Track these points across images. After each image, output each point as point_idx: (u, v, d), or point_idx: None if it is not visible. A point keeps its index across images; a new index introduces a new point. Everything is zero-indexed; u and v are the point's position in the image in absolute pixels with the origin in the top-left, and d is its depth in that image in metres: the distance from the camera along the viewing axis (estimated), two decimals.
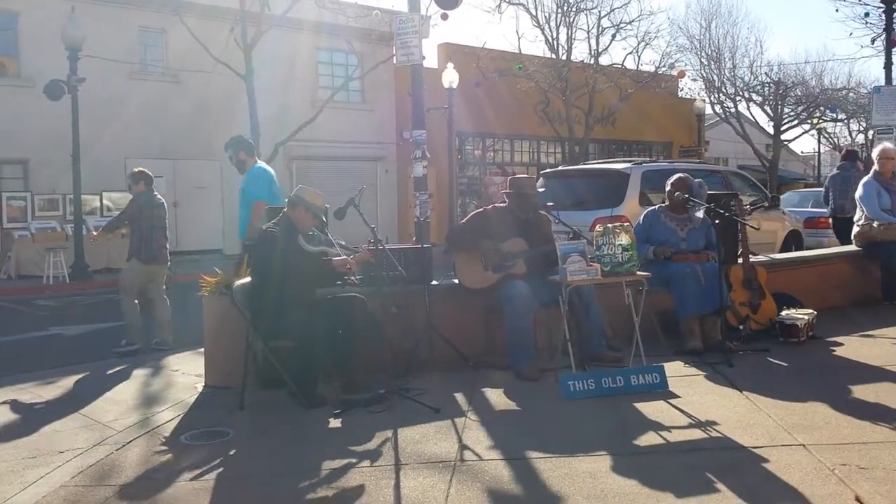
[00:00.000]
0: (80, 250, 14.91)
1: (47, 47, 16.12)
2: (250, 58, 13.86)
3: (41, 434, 4.91)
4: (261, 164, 7.36)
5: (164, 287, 8.00)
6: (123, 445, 4.59)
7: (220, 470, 4.15)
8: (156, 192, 8.08)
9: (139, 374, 6.55)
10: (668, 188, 6.62)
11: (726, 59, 30.92)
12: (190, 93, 18.72)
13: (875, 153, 8.84)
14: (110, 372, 6.66)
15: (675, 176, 6.63)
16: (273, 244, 5.24)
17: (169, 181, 19.19)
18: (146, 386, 6.16)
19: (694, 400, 4.94)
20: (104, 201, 17.28)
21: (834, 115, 35.06)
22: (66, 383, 6.26)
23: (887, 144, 8.91)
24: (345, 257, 5.44)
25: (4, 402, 5.68)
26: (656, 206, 6.72)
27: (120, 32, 18.09)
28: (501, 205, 6.31)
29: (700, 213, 6.44)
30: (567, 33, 24.21)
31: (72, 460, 4.37)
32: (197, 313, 6.11)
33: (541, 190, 7.10)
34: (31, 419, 5.28)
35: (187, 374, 6.37)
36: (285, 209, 5.50)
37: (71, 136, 14.72)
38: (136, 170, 8.14)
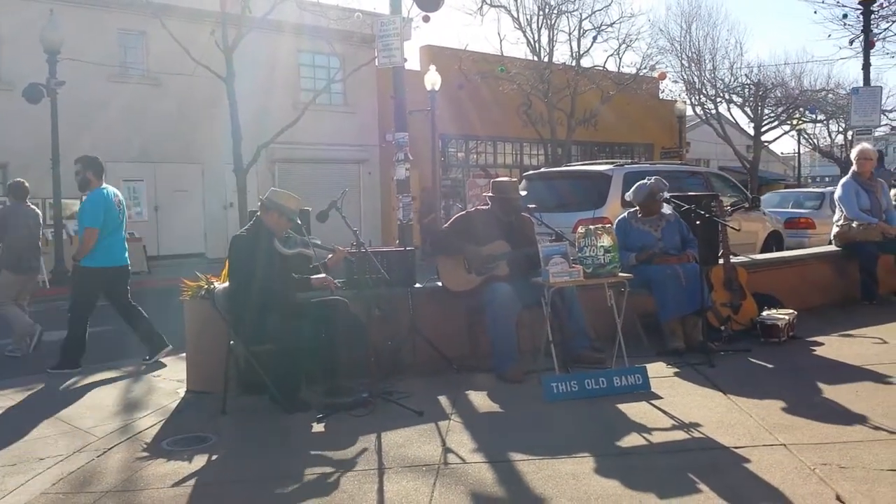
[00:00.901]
0: (61, 255, 14.80)
1: (26, 50, 15.98)
2: (231, 60, 13.78)
3: (21, 441, 4.86)
4: (105, 187, 7.30)
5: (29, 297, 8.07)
6: (104, 452, 4.56)
7: (202, 476, 4.13)
8: (28, 204, 8.36)
9: (120, 379, 6.51)
10: (639, 200, 6.58)
11: (707, 61, 31.14)
12: (170, 96, 18.62)
13: (854, 154, 8.93)
14: (91, 378, 6.60)
15: (636, 186, 6.60)
16: (247, 249, 5.21)
17: (149, 184, 19.14)
18: (127, 392, 6.12)
19: (676, 401, 4.97)
20: None
21: (813, 117, 35.36)
22: (47, 389, 6.20)
23: (866, 145, 8.99)
24: (324, 275, 5.40)
25: None
26: (626, 214, 6.75)
27: (100, 35, 17.96)
28: (484, 207, 6.32)
29: (667, 209, 6.49)
30: (549, 35, 24.31)
31: (52, 467, 4.33)
32: (178, 318, 6.07)
33: (523, 193, 7.12)
34: (10, 426, 5.22)
35: (169, 379, 6.34)
36: (258, 213, 5.47)
37: (50, 139, 14.58)
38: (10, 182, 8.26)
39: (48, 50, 14.57)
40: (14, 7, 16.86)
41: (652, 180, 6.53)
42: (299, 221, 5.57)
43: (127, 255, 7.46)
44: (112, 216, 7.15)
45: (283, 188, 6.21)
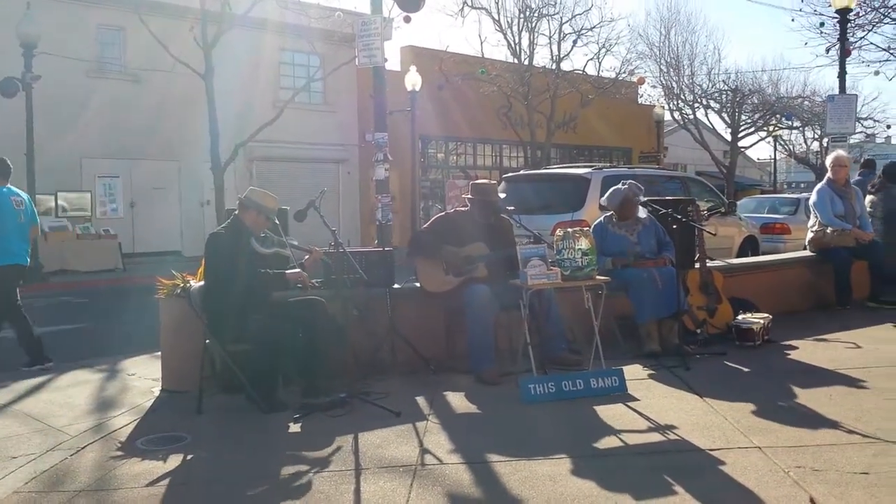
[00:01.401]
0: (35, 251, 14.58)
1: (2, 44, 15.76)
2: (210, 57, 13.67)
3: None
4: (9, 188, 7.21)
5: None
6: (78, 451, 4.51)
7: (177, 476, 4.09)
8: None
9: (94, 378, 6.43)
10: (614, 205, 6.63)
11: (685, 67, 31.36)
12: (149, 92, 18.46)
13: (829, 160, 9.03)
14: (64, 376, 6.53)
15: (610, 192, 6.65)
16: (224, 246, 5.18)
17: (126, 181, 18.97)
18: (101, 390, 6.05)
19: (652, 403, 5.00)
20: (59, 202, 16.97)
21: (789, 123, 35.74)
22: (19, 387, 6.12)
23: (841, 152, 9.10)
24: (299, 270, 5.37)
25: None
26: (601, 218, 6.78)
27: (78, 30, 17.78)
28: (463, 209, 6.32)
29: (643, 213, 6.53)
30: (529, 38, 24.38)
31: (24, 466, 4.28)
32: (153, 316, 6.01)
33: (501, 195, 7.13)
34: None
35: (143, 377, 6.27)
36: (236, 211, 5.44)
37: (25, 134, 14.41)
38: None
39: (24, 44, 14.40)
40: None
41: (626, 185, 6.57)
42: (277, 221, 5.54)
43: (27, 256, 7.29)
44: (7, 216, 7.02)
45: (262, 187, 6.18)
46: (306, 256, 5.61)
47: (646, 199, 6.53)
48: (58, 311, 11.52)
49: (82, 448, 4.55)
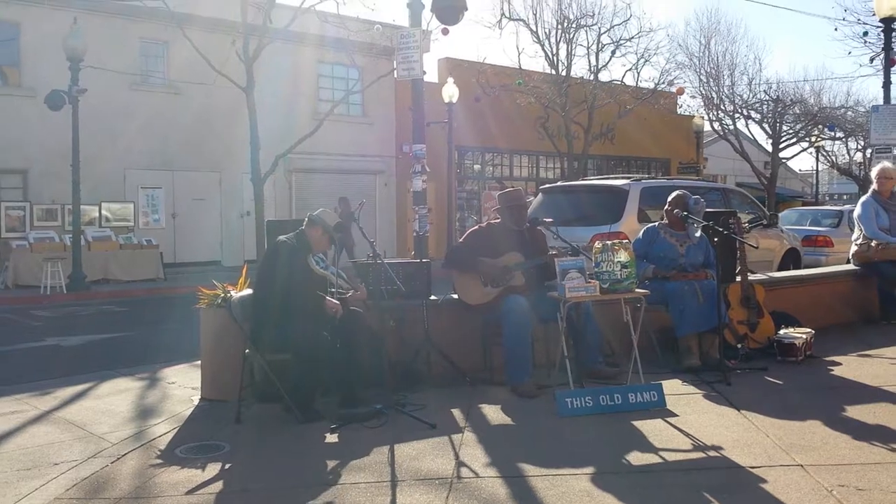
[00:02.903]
0: (79, 261, 14.91)
1: (49, 58, 16.16)
2: (251, 70, 13.87)
3: (36, 446, 4.88)
4: None
5: None
6: (118, 458, 4.57)
7: (215, 484, 4.13)
8: None
9: (135, 386, 6.53)
10: (666, 206, 6.64)
11: (725, 77, 30.97)
12: (191, 105, 18.77)
13: (874, 173, 8.86)
14: (106, 384, 6.63)
15: (674, 193, 6.66)
16: (288, 255, 5.26)
17: (168, 192, 19.28)
18: (141, 398, 6.14)
19: (692, 419, 4.93)
20: (103, 212, 17.30)
21: (832, 134, 35.11)
22: (62, 394, 6.23)
23: (886, 164, 8.93)
24: (336, 301, 5.37)
25: (0, 414, 5.66)
26: (656, 223, 6.73)
27: (122, 44, 18.14)
28: (495, 221, 6.33)
29: (698, 232, 6.45)
30: (567, 49, 24.28)
31: (66, 472, 4.35)
32: (193, 325, 6.09)
33: (537, 207, 7.11)
34: (26, 430, 5.25)
35: (183, 386, 6.35)
36: (303, 226, 5.52)
37: (71, 146, 14.73)
38: None
39: (71, 58, 14.72)
40: (38, 15, 17.10)
41: (683, 192, 6.57)
42: (335, 243, 5.62)
43: None
44: None
45: (301, 198, 6.26)
46: (350, 292, 5.65)
47: (685, 213, 6.43)
48: (100, 319, 11.73)
49: (123, 455, 4.62)
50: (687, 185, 10.39)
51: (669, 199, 6.63)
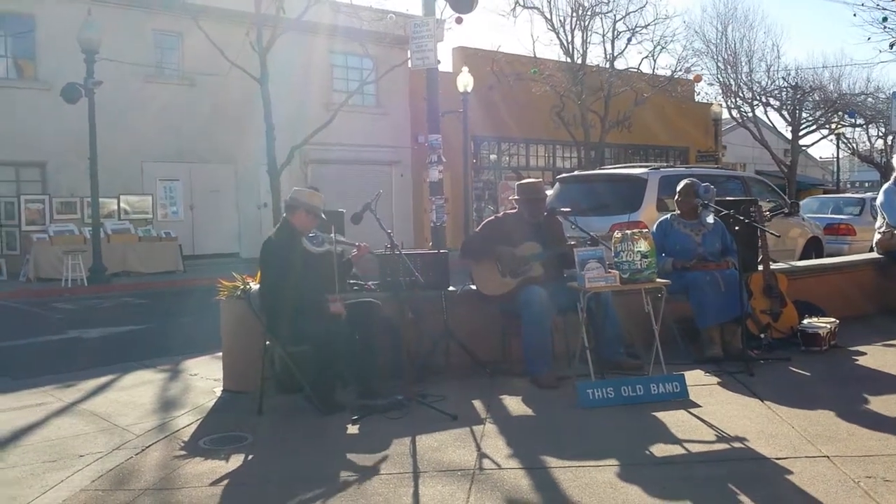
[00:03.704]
0: (98, 253, 14.99)
1: (64, 51, 16.22)
2: (265, 61, 13.86)
3: (61, 437, 4.92)
4: None
5: None
6: (142, 450, 4.60)
7: (239, 475, 4.15)
8: None
9: (157, 378, 6.57)
10: (676, 196, 6.59)
11: (743, 64, 30.71)
12: (205, 96, 18.81)
13: (895, 159, 8.74)
14: (128, 375, 6.68)
15: (682, 183, 6.60)
16: (277, 250, 5.24)
17: (185, 184, 19.35)
18: (164, 390, 6.17)
19: (715, 409, 4.89)
20: (122, 204, 17.39)
21: (852, 121, 34.75)
22: (85, 386, 6.28)
23: None
24: (340, 304, 5.32)
25: (25, 406, 5.71)
26: (668, 215, 6.68)
27: (136, 36, 18.19)
28: (512, 211, 6.29)
29: (710, 218, 6.39)
30: (582, 37, 24.14)
31: (91, 464, 4.38)
32: (214, 317, 6.11)
33: (555, 196, 7.07)
34: (50, 422, 5.30)
35: (205, 378, 6.38)
36: (284, 214, 5.49)
37: (88, 138, 14.80)
38: None
39: (86, 50, 14.76)
40: (53, 8, 17.15)
41: (691, 180, 6.51)
42: (324, 217, 5.57)
43: None
44: None
45: (317, 189, 6.24)
46: (354, 251, 5.66)
47: (698, 201, 6.37)
48: (120, 312, 11.80)
49: (147, 447, 4.65)
50: (706, 173, 10.32)
51: (678, 188, 6.58)
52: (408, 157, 23.35)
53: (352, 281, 6.21)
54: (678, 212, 6.59)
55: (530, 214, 6.08)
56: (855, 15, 36.32)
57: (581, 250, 5.44)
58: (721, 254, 6.40)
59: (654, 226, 6.63)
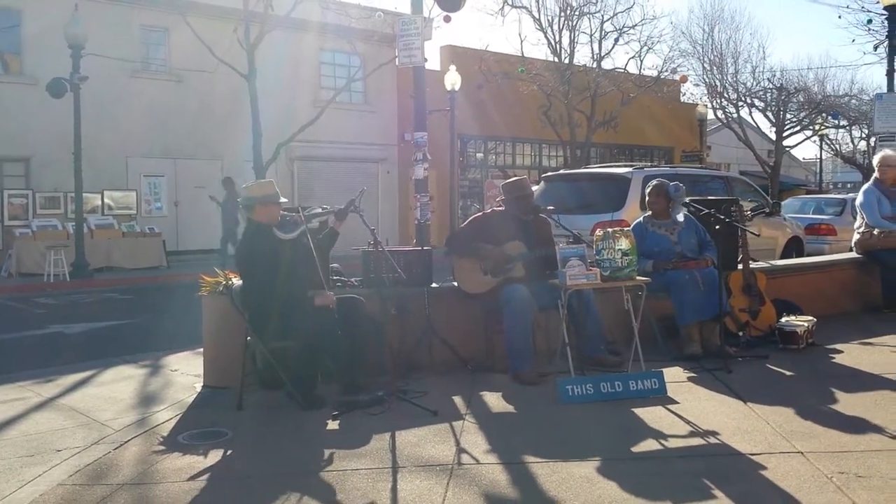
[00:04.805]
0: (81, 249, 14.93)
1: (50, 45, 16.11)
2: (253, 58, 13.87)
3: (39, 432, 4.91)
4: None
5: None
6: (121, 445, 4.59)
7: (218, 470, 4.15)
8: None
9: (137, 373, 6.55)
10: (647, 198, 6.62)
11: (729, 65, 30.92)
12: (192, 92, 18.73)
13: (876, 160, 8.84)
14: (109, 371, 6.66)
15: (651, 184, 6.63)
16: (249, 255, 5.24)
17: (170, 180, 19.26)
18: (144, 385, 6.16)
19: (692, 406, 4.94)
20: (106, 200, 17.31)
21: (836, 122, 35.03)
22: (65, 382, 6.26)
23: (888, 152, 8.89)
24: (329, 294, 5.33)
25: (4, 401, 5.69)
26: (640, 218, 6.71)
27: (123, 31, 18.08)
28: (500, 209, 6.31)
29: (680, 216, 6.45)
30: (570, 37, 24.23)
31: (69, 459, 4.37)
32: (197, 313, 6.11)
33: (539, 195, 7.10)
34: (29, 417, 5.28)
35: (186, 373, 6.37)
36: (246, 214, 5.47)
37: (73, 134, 14.72)
38: None
39: (72, 45, 14.69)
40: (39, 2, 17.02)
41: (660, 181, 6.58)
42: (284, 199, 5.50)
43: None
44: None
45: (303, 186, 6.25)
46: (332, 218, 5.67)
47: (687, 199, 6.44)
48: (103, 307, 11.76)
49: (125, 442, 4.64)
50: (689, 173, 10.39)
51: (648, 190, 6.61)
52: (394, 155, 23.35)
53: (335, 277, 6.23)
54: (650, 213, 6.62)
55: (519, 211, 6.09)
56: (840, 17, 36.54)
57: (563, 248, 5.47)
58: (699, 249, 6.45)
59: (630, 229, 6.66)
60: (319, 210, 5.69)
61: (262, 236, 5.28)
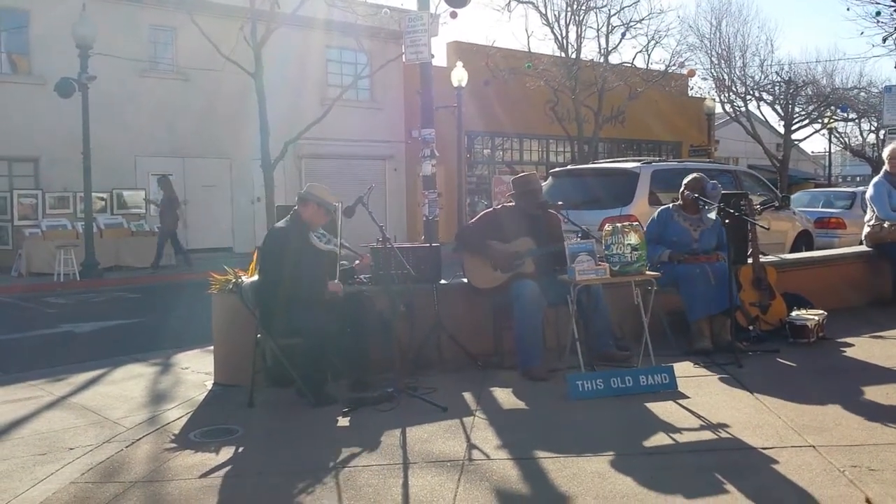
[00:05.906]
0: (91, 248, 14.97)
1: (58, 45, 16.16)
2: (260, 56, 13.87)
3: (51, 431, 4.93)
4: None
5: None
6: (132, 443, 4.61)
7: (229, 468, 4.17)
8: None
9: (148, 371, 6.57)
10: (682, 188, 6.58)
11: (736, 58, 30.83)
12: (200, 91, 18.78)
13: (886, 153, 8.78)
14: (119, 369, 6.68)
15: (691, 176, 6.58)
16: (283, 242, 5.24)
17: (179, 179, 19.25)
18: (155, 383, 6.18)
19: (703, 400, 4.93)
20: (114, 199, 17.35)
21: (845, 115, 34.87)
22: (76, 380, 6.28)
23: None
24: (337, 283, 5.37)
25: (16, 400, 5.72)
26: (670, 205, 6.68)
27: (130, 31, 18.12)
28: (510, 204, 6.30)
29: (712, 215, 6.41)
30: (577, 32, 24.16)
31: (81, 457, 4.39)
32: (206, 311, 6.12)
33: (547, 189, 7.08)
34: (41, 416, 5.31)
35: (196, 371, 6.39)
36: (296, 206, 5.49)
37: (81, 133, 14.76)
38: None
39: (80, 45, 14.71)
40: (47, 2, 17.07)
41: (699, 176, 6.51)
42: (334, 218, 5.59)
43: None
44: None
45: (310, 183, 6.25)
46: (357, 261, 5.67)
47: (697, 196, 6.38)
48: (112, 306, 11.80)
49: (137, 440, 4.66)
50: (698, 167, 10.33)
51: (686, 181, 6.55)
52: (402, 152, 23.34)
53: (343, 263, 6.23)
54: (680, 202, 6.57)
55: (528, 205, 6.08)
56: (848, 9, 36.38)
57: (572, 243, 5.45)
58: (714, 252, 6.41)
59: (655, 213, 6.64)
60: (350, 247, 5.71)
61: (297, 233, 5.32)
